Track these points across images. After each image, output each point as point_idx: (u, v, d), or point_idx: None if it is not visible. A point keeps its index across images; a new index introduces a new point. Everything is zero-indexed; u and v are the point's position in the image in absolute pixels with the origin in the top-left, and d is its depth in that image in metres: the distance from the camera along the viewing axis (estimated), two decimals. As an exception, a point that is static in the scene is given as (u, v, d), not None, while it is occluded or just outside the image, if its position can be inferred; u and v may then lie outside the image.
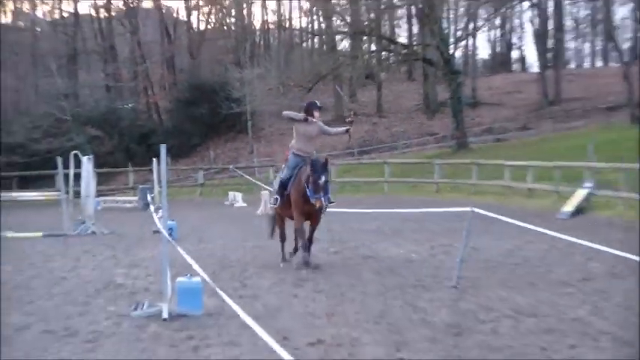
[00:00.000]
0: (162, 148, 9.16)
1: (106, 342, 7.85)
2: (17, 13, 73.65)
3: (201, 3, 71.65)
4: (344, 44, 61.34)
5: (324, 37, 65.61)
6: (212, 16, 72.18)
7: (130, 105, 63.72)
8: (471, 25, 60.14)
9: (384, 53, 60.65)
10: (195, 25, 72.24)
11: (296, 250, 12.83)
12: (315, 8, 66.84)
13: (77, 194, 21.01)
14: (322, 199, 11.60)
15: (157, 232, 14.59)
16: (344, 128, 13.03)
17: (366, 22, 54.65)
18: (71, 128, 53.65)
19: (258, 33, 72.78)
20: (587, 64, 78.58)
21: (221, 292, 8.29)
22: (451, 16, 63.42)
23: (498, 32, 78.37)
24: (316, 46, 71.92)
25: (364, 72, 61.45)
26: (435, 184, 31.67)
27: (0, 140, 49.13)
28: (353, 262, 13.07)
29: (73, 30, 68.76)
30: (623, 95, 47.17)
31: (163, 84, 67.33)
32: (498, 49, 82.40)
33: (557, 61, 61.52)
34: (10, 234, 18.93)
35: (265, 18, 74.24)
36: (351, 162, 44.10)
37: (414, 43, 60.82)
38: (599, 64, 76.35)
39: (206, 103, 57.33)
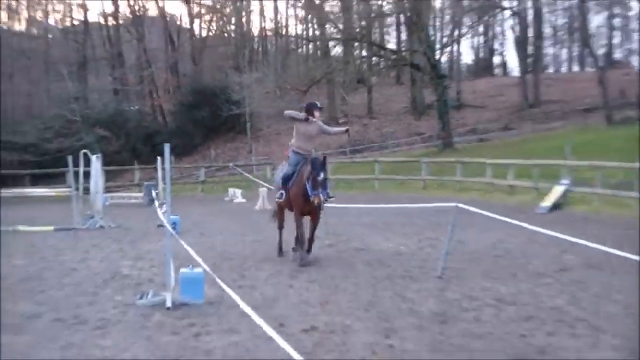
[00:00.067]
0: (166, 148, 9.15)
1: (113, 329, 7.85)
2: (31, 21, 73.50)
3: (203, 11, 71.65)
4: (337, 50, 61.48)
5: (318, 43, 65.46)
6: (213, 24, 72.16)
7: (136, 107, 63.69)
8: (456, 33, 60.11)
9: (374, 59, 60.57)
10: (197, 33, 72.15)
11: (301, 244, 12.44)
12: (309, 16, 66.94)
13: (86, 191, 21.01)
14: (321, 195, 11.51)
15: (161, 226, 14.56)
16: (344, 128, 13.03)
17: (358, 30, 54.58)
18: (81, 129, 53.53)
19: (256, 40, 72.70)
20: (564, 69, 78.69)
21: (221, 283, 8.28)
22: (437, 23, 63.41)
23: (481, 39, 78.56)
24: (311, 51, 71.81)
25: (356, 76, 61.37)
26: (423, 182, 31.65)
27: (0, 140, 48.94)
28: (345, 255, 13.07)
29: (83, 37, 68.79)
30: (599, 98, 47.21)
31: (167, 88, 67.21)
32: (481, 54, 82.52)
33: (536, 66, 61.55)
34: (22, 228, 18.91)
35: (263, 25, 74.41)
36: (343, 160, 44.00)
37: (403, 49, 60.83)
38: (575, 69, 76.42)
39: (207, 106, 57.29)
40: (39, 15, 73.48)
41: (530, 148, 35.85)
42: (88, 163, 20.26)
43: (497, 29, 76.32)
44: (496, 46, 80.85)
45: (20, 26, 73.94)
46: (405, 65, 55.53)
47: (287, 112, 12.74)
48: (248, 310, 7.05)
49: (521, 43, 62.13)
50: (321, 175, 11.56)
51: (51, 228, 18.83)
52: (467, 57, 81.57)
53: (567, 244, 11.26)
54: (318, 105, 12.58)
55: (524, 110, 56.55)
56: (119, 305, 9.09)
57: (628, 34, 72.21)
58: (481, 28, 71.04)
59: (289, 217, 12.74)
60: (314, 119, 12.19)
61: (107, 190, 28.37)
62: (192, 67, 67.31)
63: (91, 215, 19.86)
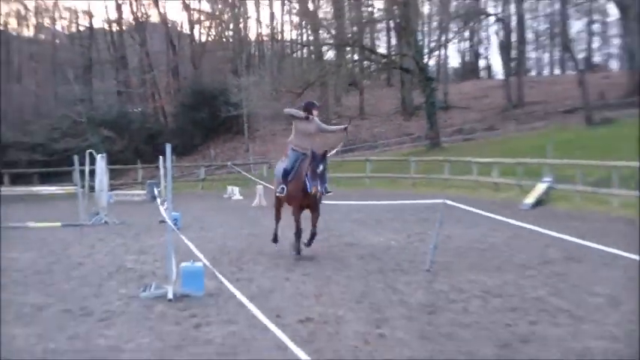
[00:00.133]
0: (168, 147, 9.14)
1: (118, 320, 7.85)
2: (39, 27, 73.55)
3: (202, 18, 71.57)
4: (330, 54, 61.41)
5: (312, 48, 65.44)
6: (212, 30, 71.99)
7: (139, 109, 63.66)
8: (443, 38, 60.29)
9: (365, 62, 60.66)
10: (197, 38, 72.01)
11: (298, 235, 12.30)
12: (304, 22, 66.89)
13: (92, 188, 21.04)
14: (319, 186, 11.41)
15: (163, 221, 14.55)
16: (342, 126, 12.94)
17: (350, 35, 54.52)
18: (86, 130, 53.55)
19: (253, 44, 72.57)
20: (546, 72, 78.60)
21: (220, 276, 8.27)
22: (425, 29, 63.52)
23: (467, 43, 78.32)
24: (305, 56, 71.71)
25: (348, 79, 61.44)
26: (412, 179, 31.65)
27: (0, 139, 48.89)
28: (338, 249, 13.06)
29: (89, 42, 68.72)
30: (579, 100, 47.23)
31: (169, 90, 67.10)
32: (467, 58, 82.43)
33: (519, 69, 61.53)
34: (32, 224, 18.89)
35: (260, 31, 74.23)
36: (336, 159, 44.02)
37: (393, 53, 60.68)
38: (557, 72, 76.37)
39: (207, 107, 57.25)
40: (47, 21, 73.80)
41: (514, 147, 35.88)
42: (93, 162, 20.25)
43: (483, 34, 76.24)
44: (481, 50, 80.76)
45: (29, 32, 74.47)
46: (395, 68, 55.60)
47: (287, 110, 12.66)
48: (246, 301, 7.06)
49: (505, 48, 62.17)
50: (320, 167, 11.44)
51: (59, 224, 18.82)
52: (453, 61, 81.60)
53: (549, 238, 11.27)
54: (317, 104, 12.52)
55: (508, 111, 56.55)
56: (123, 297, 9.09)
57: (606, 39, 72.49)
58: (467, 34, 70.87)
59: (286, 212, 12.70)
60: (313, 117, 12.11)
61: (111, 187, 28.28)
62: (192, 71, 67.21)
63: (96, 212, 19.85)
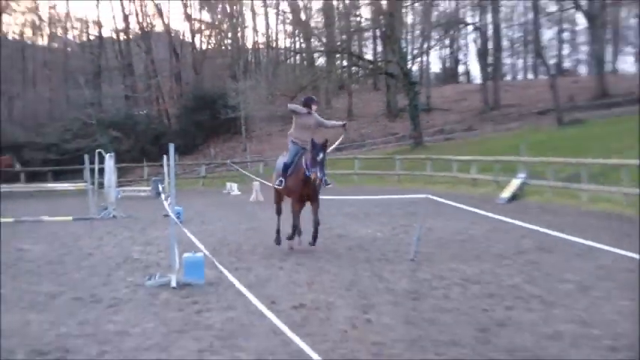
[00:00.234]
0: (171, 147, 9.11)
1: (125, 307, 7.84)
2: (52, 36, 73.52)
3: (203, 27, 71.40)
4: (321, 61, 61.49)
5: (304, 55, 65.43)
6: (212, 38, 71.71)
7: (144, 112, 63.48)
8: (425, 45, 60.11)
9: (354, 68, 60.65)
10: (198, 46, 71.78)
11: (294, 232, 12.10)
12: (297, 31, 66.80)
13: (101, 185, 21.05)
14: (318, 172, 11.09)
15: (167, 215, 14.51)
16: (341, 122, 12.72)
17: (339, 43, 54.56)
18: (96, 131, 53.35)
19: (250, 52, 72.32)
20: (520, 77, 78.46)
21: (220, 266, 8.28)
22: (409, 37, 63.41)
23: (448, 50, 78.29)
24: (298, 62, 71.59)
25: (338, 83, 61.57)
26: (397, 176, 31.68)
27: (0, 139, 48.74)
28: (329, 241, 13.04)
29: (98, 50, 68.68)
30: (550, 102, 47.21)
31: (172, 94, 66.81)
32: (448, 64, 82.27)
33: (495, 74, 61.46)
34: (46, 218, 18.85)
35: (256, 39, 73.83)
36: (327, 156, 43.82)
37: (379, 59, 60.54)
38: (530, 76, 76.31)
39: (207, 110, 57.08)
40: (59, 31, 73.78)
41: (491, 146, 35.90)
42: (102, 160, 20.28)
43: (462, 42, 76.20)
44: (460, 56, 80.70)
45: (43, 41, 74.36)
46: (381, 74, 55.46)
47: (290, 105, 12.44)
48: (243, 289, 7.07)
49: (482, 54, 62.16)
50: (320, 155, 11.13)
51: (70, 218, 18.79)
52: (435, 66, 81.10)
53: (524, 230, 11.29)
54: (315, 99, 12.37)
55: (485, 113, 56.49)
56: (130, 285, 9.08)
57: (575, 46, 72.56)
58: (447, 41, 70.83)
59: (287, 209, 12.60)
60: (312, 112, 11.93)
61: (119, 184, 28.27)
62: (193, 76, 67.07)
63: (105, 207, 19.83)
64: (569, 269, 9.62)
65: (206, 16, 72.01)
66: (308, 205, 11.99)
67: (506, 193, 21.60)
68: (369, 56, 64.84)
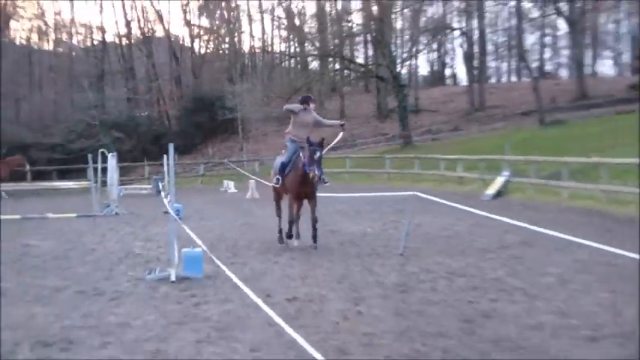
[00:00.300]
0: (171, 147, 9.11)
1: (127, 300, 7.83)
2: (57, 41, 73.52)
3: (202, 33, 71.39)
4: (314, 64, 61.49)
5: (298, 58, 65.54)
6: (210, 43, 71.70)
7: (145, 113, 63.44)
8: (414, 49, 60.05)
9: (345, 71, 60.67)
10: (197, 50, 71.76)
11: (290, 228, 11.85)
12: (291, 36, 66.89)
13: (104, 183, 20.97)
14: (316, 170, 10.92)
15: (167, 212, 14.49)
16: (339, 122, 12.56)
17: (332, 47, 54.60)
18: (99, 132, 53.26)
19: (246, 56, 72.28)
20: (504, 79, 78.49)
21: (217, 260, 8.26)
22: (398, 41, 63.43)
23: (435, 54, 78.32)
24: (292, 65, 71.60)
25: (330, 86, 61.51)
26: (387, 174, 31.69)
27: (0, 139, 48.61)
28: (323, 237, 13.02)
29: (101, 54, 68.82)
30: (533, 104, 47.31)
31: (172, 97, 66.75)
32: (435, 67, 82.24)
33: (481, 77, 61.60)
34: (51, 215, 18.80)
35: (252, 44, 73.76)
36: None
37: (369, 63, 60.58)
38: (514, 79, 76.32)
39: (206, 112, 57.07)
40: (64, 36, 73.77)
41: (476, 145, 35.94)
42: (105, 160, 20.26)
43: (449, 46, 76.12)
44: (447, 60, 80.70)
45: (48, 46, 74.55)
46: (372, 76, 55.57)
47: (286, 106, 12.27)
48: (240, 283, 7.05)
49: (468, 58, 62.33)
50: (317, 153, 10.94)
51: (74, 215, 18.73)
52: (423, 69, 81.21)
53: (507, 225, 11.27)
54: (312, 97, 12.25)
55: (471, 114, 56.59)
56: (131, 279, 9.06)
57: (557, 50, 72.72)
58: (435, 45, 70.81)
59: (286, 207, 12.52)
60: (309, 109, 11.76)
61: (121, 182, 28.21)
62: (192, 80, 67.03)
63: (107, 204, 19.81)
64: (550, 263, 9.64)
65: (205, 22, 72.08)
66: (305, 203, 11.97)
67: (491, 190, 21.65)
68: (360, 60, 64.90)
